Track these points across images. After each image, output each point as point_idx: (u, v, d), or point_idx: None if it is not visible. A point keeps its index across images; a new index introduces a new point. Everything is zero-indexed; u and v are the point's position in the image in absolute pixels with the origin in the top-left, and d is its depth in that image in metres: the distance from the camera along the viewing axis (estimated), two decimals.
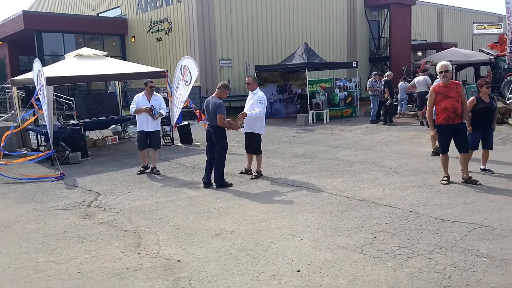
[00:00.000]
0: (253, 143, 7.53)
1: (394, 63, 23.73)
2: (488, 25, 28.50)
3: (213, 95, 7.06)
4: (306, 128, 14.02)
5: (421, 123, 13.35)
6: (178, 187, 7.20)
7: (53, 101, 9.59)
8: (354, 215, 5.24)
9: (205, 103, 7.11)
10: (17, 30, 21.03)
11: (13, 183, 8.06)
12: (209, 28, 19.33)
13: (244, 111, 7.48)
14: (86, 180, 7.98)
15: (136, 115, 8.27)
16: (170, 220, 5.52)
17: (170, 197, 6.61)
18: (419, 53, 28.67)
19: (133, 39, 23.34)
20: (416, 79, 13.74)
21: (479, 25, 27.66)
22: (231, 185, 7.05)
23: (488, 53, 21.49)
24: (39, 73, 9.14)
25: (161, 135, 11.84)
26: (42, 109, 9.41)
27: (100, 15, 25.36)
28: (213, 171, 7.05)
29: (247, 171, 7.81)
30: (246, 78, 7.60)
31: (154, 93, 8.46)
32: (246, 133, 7.54)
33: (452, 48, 23.86)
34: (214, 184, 7.04)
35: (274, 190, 6.68)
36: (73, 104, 13.29)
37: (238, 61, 20.36)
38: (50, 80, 9.27)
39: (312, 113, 15.63)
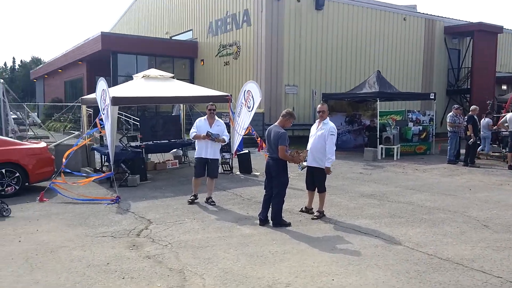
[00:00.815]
0: (316, 179, 6.82)
1: (475, 96, 21.90)
2: None
3: (276, 123, 6.49)
4: (374, 164, 13.01)
5: (510, 167, 11.84)
6: (232, 221, 6.64)
7: (119, 121, 9.54)
8: (437, 280, 4.32)
9: (266, 131, 6.56)
10: (95, 51, 22.20)
11: (71, 202, 7.97)
12: (277, 53, 19.07)
13: (310, 142, 6.82)
14: (140, 206, 7.68)
15: (196, 140, 7.91)
16: (219, 261, 4.94)
17: (222, 233, 6.05)
18: (504, 87, 26.38)
19: (202, 63, 23.74)
20: (508, 116, 12.23)
21: None
22: (289, 224, 6.36)
23: None
24: (104, 92, 9.16)
25: (221, 162, 11.54)
26: (104, 129, 9.40)
27: (172, 38, 26.18)
28: (270, 207, 6.42)
29: (308, 210, 7.08)
30: (320, 106, 6.95)
31: (217, 118, 8.08)
32: (310, 168, 6.85)
33: None
34: (271, 222, 6.40)
35: (338, 235, 5.89)
36: (139, 126, 13.44)
37: (304, 88, 19.83)
38: (115, 100, 9.25)
39: (382, 148, 14.57)
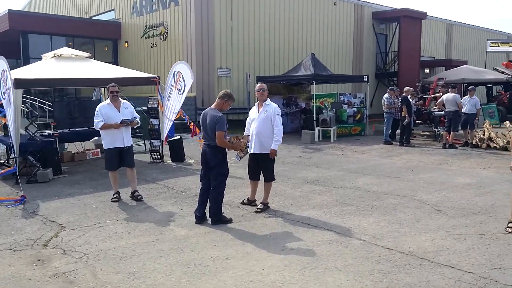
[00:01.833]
0: (264, 167, 6.04)
1: (402, 79, 22.44)
2: (502, 42, 27.38)
3: (212, 106, 5.60)
4: (313, 147, 12.58)
5: (444, 146, 11.95)
6: (163, 221, 5.69)
7: (25, 108, 8.07)
8: (405, 281, 3.75)
9: (201, 115, 5.64)
10: (2, 31, 19.56)
11: None
12: (208, 34, 17.97)
13: (253, 127, 6.01)
14: (51, 206, 6.45)
15: (102, 130, 6.70)
16: (148, 275, 4.02)
17: (152, 236, 5.10)
18: (427, 70, 27.44)
19: (126, 44, 21.96)
20: (445, 97, 12.30)
21: (493, 43, 26.45)
22: (230, 221, 5.56)
23: (503, 72, 20.29)
24: (4, 73, 7.66)
25: (149, 150, 10.39)
26: (5, 117, 7.91)
27: (93, 18, 23.96)
28: (208, 202, 5.56)
29: (250, 202, 6.31)
30: (258, 85, 6.07)
31: (122, 100, 6.92)
32: (254, 155, 6.05)
33: (465, 65, 22.66)
34: (209, 219, 5.55)
35: (287, 231, 5.19)
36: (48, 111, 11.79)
37: (237, 71, 18.98)
38: (18, 83, 7.79)
39: (319, 130, 14.21)
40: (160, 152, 10.19)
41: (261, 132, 5.88)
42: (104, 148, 6.80)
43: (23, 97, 18.60)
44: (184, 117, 10.01)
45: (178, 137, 10.34)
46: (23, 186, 7.76)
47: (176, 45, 18.80)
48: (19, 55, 19.81)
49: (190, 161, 10.15)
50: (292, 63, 20.15)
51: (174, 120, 10.10)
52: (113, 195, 6.81)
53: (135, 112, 7.00)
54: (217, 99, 5.55)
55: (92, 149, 11.05)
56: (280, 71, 19.41)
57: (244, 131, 6.21)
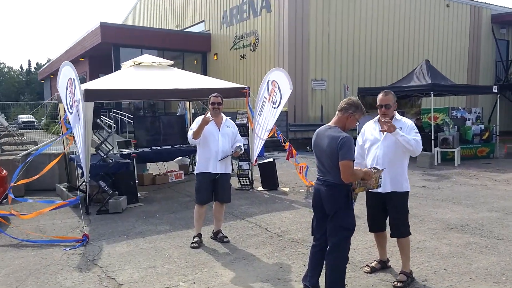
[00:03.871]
0: (394, 213, 4.00)
1: None
2: None
3: (330, 123, 3.72)
4: (435, 173, 10.14)
5: None
6: (257, 285, 3.93)
7: (96, 122, 6.93)
8: None
9: (314, 138, 3.78)
10: (95, 44, 19.72)
11: (16, 245, 5.38)
12: (302, 43, 16.27)
13: (376, 152, 4.02)
14: (115, 252, 5.04)
15: (198, 147, 5.19)
16: None
17: None
18: None
19: (215, 57, 21.10)
20: None
21: None
22: None
23: None
24: (71, 82, 6.55)
25: (237, 174, 8.81)
26: (72, 134, 6.82)
27: (184, 31, 23.63)
28: (324, 268, 3.68)
29: (382, 263, 4.31)
30: (381, 96, 4.07)
31: (224, 117, 5.39)
32: (377, 195, 4.01)
33: None
34: None
35: None
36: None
37: (333, 83, 16.99)
38: (88, 94, 6.65)
39: (437, 152, 11.68)
40: (250, 177, 8.57)
41: (388, 162, 3.90)
42: (195, 172, 5.28)
43: (114, 112, 18.75)
44: (278, 136, 8.31)
45: (271, 159, 8.63)
46: (92, 217, 6.59)
47: (267, 56, 17.37)
48: (111, 69, 19.79)
49: (284, 189, 8.39)
50: (396, 72, 17.74)
51: (267, 138, 8.45)
52: (193, 238, 5.24)
53: (239, 135, 5.44)
54: (337, 112, 3.67)
55: (175, 171, 9.79)
56: (383, 82, 17.07)
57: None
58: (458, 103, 18.99)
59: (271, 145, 13.77)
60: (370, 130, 4.11)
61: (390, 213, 3.99)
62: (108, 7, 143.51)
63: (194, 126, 5.12)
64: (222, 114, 5.34)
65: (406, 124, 3.97)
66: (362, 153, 4.14)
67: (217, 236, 5.35)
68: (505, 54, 21.61)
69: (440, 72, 13.72)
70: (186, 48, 21.46)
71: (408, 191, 3.98)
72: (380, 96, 4.01)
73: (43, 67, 42.17)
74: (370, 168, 3.69)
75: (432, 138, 11.60)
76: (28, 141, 14.55)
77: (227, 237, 5.32)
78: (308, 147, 15.19)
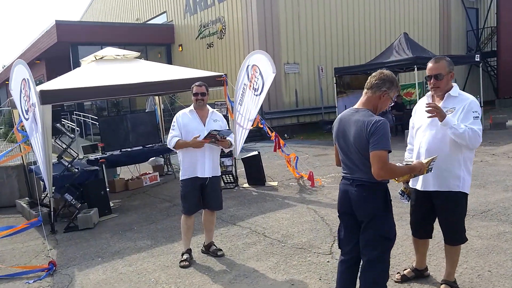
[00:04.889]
0: (445, 216, 3.25)
1: (503, 59, 18.67)
2: None
3: (357, 105, 2.95)
4: None
5: None
6: None
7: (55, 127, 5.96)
8: None
9: (335, 125, 3.01)
10: (51, 44, 18.30)
11: None
12: (272, 26, 15.48)
13: (422, 137, 3.29)
14: (89, 281, 4.19)
15: (179, 150, 4.40)
16: None
17: None
18: None
19: (180, 48, 20.04)
20: None
21: None
22: None
23: None
24: (25, 84, 5.59)
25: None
26: (29, 144, 5.87)
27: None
28: (358, 283, 2.95)
29: (417, 271, 3.60)
30: (431, 64, 3.18)
31: (210, 109, 4.58)
32: (426, 194, 3.28)
33: None
34: None
35: None
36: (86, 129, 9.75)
37: (307, 65, 16.31)
38: (45, 96, 5.70)
39: None
40: (234, 173, 7.80)
41: (436, 151, 3.15)
42: (180, 179, 4.46)
43: (76, 114, 17.47)
44: (262, 126, 7.57)
45: (256, 152, 7.88)
46: (60, 236, 5.70)
47: (235, 42, 16.49)
48: (70, 69, 18.43)
49: (273, 184, 7.67)
50: (372, 50, 17.26)
51: (250, 128, 7.69)
52: (182, 255, 4.44)
53: (226, 125, 4.64)
54: (365, 91, 2.89)
55: (149, 173, 8.90)
56: (360, 60, 16.55)
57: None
58: None
59: (252, 134, 12.97)
60: (420, 108, 3.33)
61: (438, 215, 3.28)
62: (65, 5, 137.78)
63: (176, 132, 4.32)
64: (208, 106, 4.53)
65: (462, 104, 3.07)
66: (411, 140, 3.42)
67: (210, 249, 4.59)
68: (475, 22, 21.50)
69: (419, 44, 13.26)
70: (149, 42, 20.26)
71: (461, 192, 3.15)
72: (429, 64, 3.21)
73: None
74: (416, 162, 2.95)
75: None
76: None
77: (221, 250, 4.56)
78: (285, 135, 14.54)
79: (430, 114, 3.04)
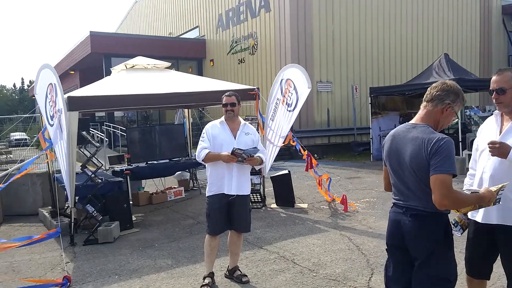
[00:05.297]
0: (506, 255, 2.75)
1: None
2: None
3: (414, 120, 2.52)
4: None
5: None
6: None
7: (81, 135, 5.78)
8: None
9: (386, 143, 2.57)
10: (85, 55, 18.63)
11: None
12: (305, 43, 15.20)
13: (485, 164, 2.83)
14: None
15: (208, 164, 4.08)
16: None
17: None
18: None
19: (211, 63, 20.03)
20: None
21: None
22: None
23: None
24: (51, 89, 5.43)
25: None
26: (53, 151, 5.68)
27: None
28: None
29: None
30: (495, 76, 2.76)
31: (242, 120, 4.25)
32: (484, 227, 2.78)
33: None
34: None
35: None
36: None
37: (340, 84, 15.89)
38: (73, 103, 5.54)
39: (468, 155, 10.58)
40: (262, 192, 7.42)
41: (501, 179, 2.66)
42: (206, 195, 4.13)
43: (106, 125, 17.56)
44: (295, 143, 7.20)
45: (286, 171, 7.50)
46: (78, 249, 5.44)
47: (267, 59, 16.30)
48: None
49: (302, 206, 7.25)
50: (409, 70, 16.79)
51: (282, 146, 7.33)
52: (204, 279, 4.07)
53: (260, 143, 4.26)
54: (424, 104, 2.47)
55: (175, 188, 8.63)
56: (396, 81, 16.05)
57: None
58: (471, 101, 17.97)
59: (280, 152, 12.61)
60: (487, 128, 2.92)
61: (501, 254, 2.80)
62: (101, 19, 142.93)
63: (206, 144, 4.01)
64: (240, 118, 4.21)
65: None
66: (474, 164, 2.99)
67: (234, 274, 4.20)
68: None
69: (460, 66, 12.68)
70: (180, 56, 20.36)
71: None
72: (493, 76, 2.82)
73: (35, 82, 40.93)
74: (490, 188, 2.51)
75: (459, 139, 10.49)
76: (14, 159, 13.42)
77: (246, 276, 4.17)
78: (316, 155, 14.07)
79: (492, 152, 2.64)
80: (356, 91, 15.18)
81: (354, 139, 14.94)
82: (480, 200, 2.39)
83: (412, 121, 2.51)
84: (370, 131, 13.07)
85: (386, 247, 2.61)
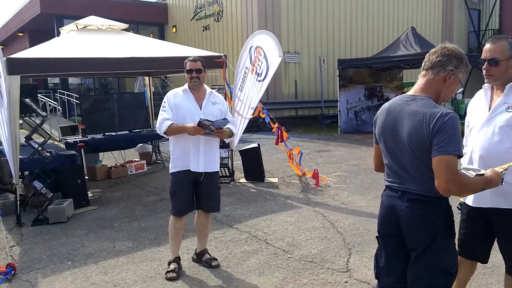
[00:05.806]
0: (503, 239, 2.51)
1: None
2: None
3: (410, 92, 2.16)
4: None
5: None
6: None
7: (23, 103, 5.11)
8: None
9: (380, 117, 2.19)
10: (34, 16, 17.18)
11: None
12: (273, 11, 14.62)
13: (476, 140, 2.54)
14: None
15: (171, 137, 3.61)
16: None
17: None
18: None
19: (174, 29, 19.06)
20: None
21: None
22: None
23: None
24: None
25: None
26: None
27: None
28: None
29: None
30: (489, 45, 2.39)
31: (208, 89, 3.76)
32: (482, 211, 2.51)
33: None
34: None
35: None
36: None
37: (308, 56, 15.52)
38: (13, 65, 4.84)
39: None
40: (230, 166, 7.02)
41: (495, 157, 2.37)
42: (170, 172, 3.67)
43: (60, 92, 16.42)
44: (265, 117, 6.79)
45: (255, 144, 7.10)
46: (26, 230, 4.89)
47: (233, 26, 15.60)
48: None
49: (272, 180, 6.92)
50: (376, 43, 16.58)
51: (251, 118, 6.91)
52: (169, 264, 3.66)
53: (229, 114, 3.82)
54: (423, 73, 2.09)
55: (136, 161, 8.07)
56: (363, 53, 15.85)
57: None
58: None
59: (251, 124, 12.21)
60: (476, 103, 2.60)
61: (498, 238, 2.55)
62: None
63: (168, 115, 3.51)
64: (206, 86, 3.73)
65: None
66: (467, 141, 2.67)
67: (202, 258, 3.82)
68: (477, 24, 20.95)
69: (427, 40, 12.59)
70: (141, 20, 19.17)
71: None
72: (486, 45, 2.48)
73: None
74: (495, 169, 2.19)
75: None
76: None
77: (216, 260, 3.80)
78: (284, 127, 13.76)
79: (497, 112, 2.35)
80: (324, 63, 14.87)
81: (322, 112, 14.73)
82: (487, 184, 2.07)
83: (410, 92, 2.13)
84: (338, 104, 12.86)
85: (377, 235, 2.28)
